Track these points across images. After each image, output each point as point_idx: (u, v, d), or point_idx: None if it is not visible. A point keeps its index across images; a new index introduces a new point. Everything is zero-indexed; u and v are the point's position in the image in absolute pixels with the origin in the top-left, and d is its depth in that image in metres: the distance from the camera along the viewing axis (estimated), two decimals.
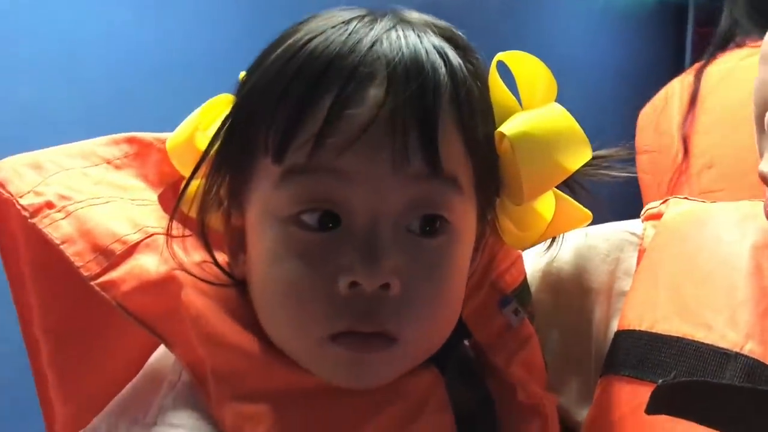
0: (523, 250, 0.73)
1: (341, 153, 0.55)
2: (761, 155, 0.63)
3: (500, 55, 0.65)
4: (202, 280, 0.63)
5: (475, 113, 0.61)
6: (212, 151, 0.63)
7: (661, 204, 0.77)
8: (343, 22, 0.59)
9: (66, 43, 1.87)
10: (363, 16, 0.60)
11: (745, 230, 0.68)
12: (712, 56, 1.23)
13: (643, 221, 0.77)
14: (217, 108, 0.68)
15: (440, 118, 0.57)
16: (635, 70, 3.60)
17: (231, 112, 0.63)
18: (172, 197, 0.73)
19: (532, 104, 0.65)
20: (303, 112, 0.56)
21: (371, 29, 0.59)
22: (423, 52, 0.58)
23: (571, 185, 0.67)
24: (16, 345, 0.74)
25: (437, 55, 0.59)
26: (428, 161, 0.57)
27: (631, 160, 0.70)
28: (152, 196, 0.72)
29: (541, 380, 0.70)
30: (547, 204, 0.67)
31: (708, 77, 1.16)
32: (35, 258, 0.69)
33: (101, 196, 0.68)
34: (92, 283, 0.63)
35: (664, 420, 0.59)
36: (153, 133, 0.76)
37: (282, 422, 0.59)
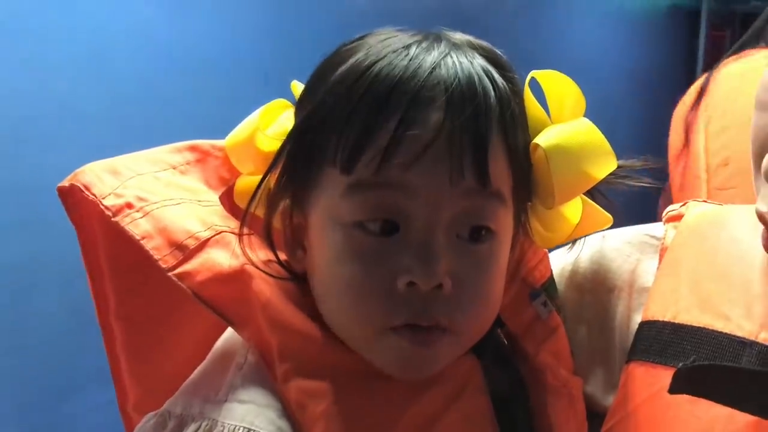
0: (549, 249, 0.79)
1: (406, 170, 0.62)
2: (757, 194, 0.69)
3: (534, 74, 0.72)
4: (267, 274, 0.69)
5: (517, 129, 0.68)
6: (280, 156, 0.70)
7: (681, 207, 0.84)
8: (404, 47, 0.66)
9: (95, 41, 1.91)
10: (420, 42, 0.67)
11: (758, 230, 0.73)
12: (736, 52, 1.23)
13: (664, 223, 0.84)
14: (275, 111, 0.75)
15: (491, 139, 0.64)
16: (648, 73, 3.64)
17: (300, 124, 0.69)
18: (228, 200, 0.80)
19: (560, 118, 0.71)
20: (371, 131, 0.63)
21: (429, 55, 0.65)
22: (476, 77, 0.65)
23: (592, 192, 0.74)
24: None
25: (487, 80, 0.65)
26: (479, 178, 0.64)
27: (646, 171, 0.76)
28: (214, 198, 0.79)
29: (568, 365, 0.76)
30: (573, 208, 0.74)
31: (728, 73, 1.17)
32: (113, 253, 0.76)
33: (173, 198, 0.74)
34: (170, 274, 0.70)
35: (684, 401, 0.65)
36: (210, 141, 0.83)
37: (341, 400, 0.65)
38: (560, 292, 0.82)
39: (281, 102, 0.76)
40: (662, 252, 0.80)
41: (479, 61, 0.67)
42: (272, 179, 0.71)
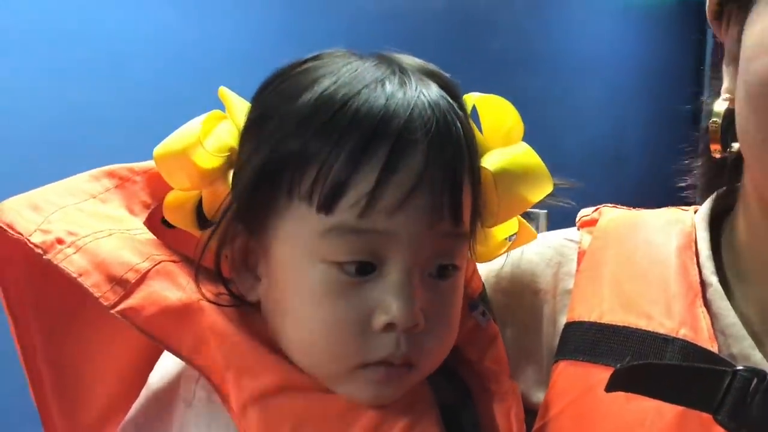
0: (482, 263, 0.82)
1: (390, 215, 0.63)
2: None
3: (474, 100, 0.75)
4: (219, 304, 0.69)
5: (476, 161, 0.70)
6: (247, 189, 0.68)
7: (593, 212, 0.90)
8: (376, 81, 0.66)
9: (112, 46, 1.93)
10: (389, 75, 0.67)
11: (669, 234, 0.82)
12: None
13: (578, 228, 0.89)
14: (210, 123, 0.73)
15: (464, 181, 0.67)
16: (656, 68, 3.64)
17: (268, 155, 0.67)
18: (151, 226, 0.77)
19: (495, 142, 0.74)
20: (352, 173, 0.63)
21: (403, 92, 0.66)
22: (449, 118, 0.66)
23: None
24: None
25: (456, 119, 0.67)
26: (454, 221, 0.66)
27: (567, 191, 0.80)
28: (140, 224, 0.77)
29: (507, 370, 0.80)
30: (508, 225, 0.78)
31: None
32: (38, 293, 0.73)
33: (102, 230, 0.72)
34: (113, 311, 0.68)
35: (616, 396, 0.70)
36: (126, 165, 0.80)
37: (301, 423, 0.67)
38: (489, 297, 0.85)
39: (216, 113, 0.74)
40: (580, 256, 0.86)
41: (443, 95, 0.68)
42: (216, 201, 0.71)
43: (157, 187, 0.79)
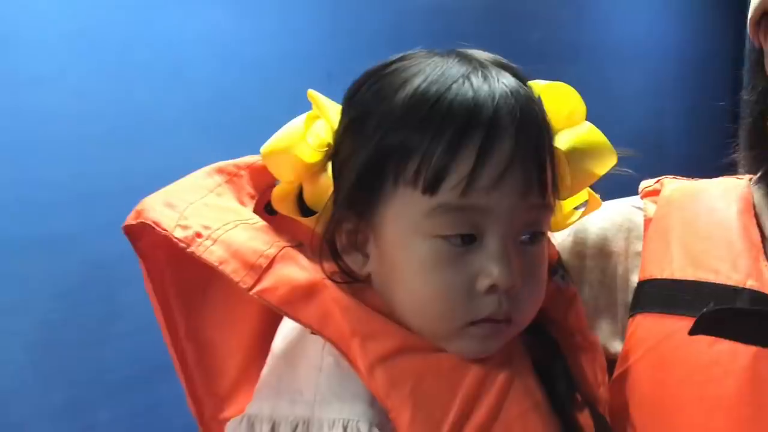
0: (555, 232, 0.91)
1: (487, 193, 0.73)
2: None
3: (538, 87, 0.82)
4: (338, 282, 0.78)
5: (552, 140, 0.80)
6: (355, 179, 0.77)
7: (655, 183, 1.00)
8: (463, 77, 0.75)
9: (171, 50, 2.02)
10: (472, 70, 0.76)
11: (728, 200, 0.92)
12: None
13: (642, 198, 0.99)
14: (308, 122, 0.82)
15: (547, 158, 0.76)
16: (696, 54, 3.65)
17: (375, 147, 0.76)
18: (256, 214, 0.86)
19: (559, 124, 0.83)
20: (452, 159, 0.72)
21: (488, 85, 0.75)
22: (530, 104, 0.76)
23: None
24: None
25: (534, 104, 0.77)
26: (541, 194, 0.76)
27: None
28: (252, 214, 0.85)
29: (587, 326, 0.89)
30: (578, 196, 0.87)
31: None
32: (177, 279, 0.84)
33: (229, 221, 0.81)
34: (251, 293, 0.76)
35: (693, 340, 0.80)
36: (231, 161, 0.89)
37: (420, 379, 0.75)
38: (564, 259, 0.95)
39: (311, 114, 0.83)
40: (646, 222, 0.96)
41: (519, 84, 0.77)
42: (317, 190, 0.80)
43: (259, 179, 0.89)
